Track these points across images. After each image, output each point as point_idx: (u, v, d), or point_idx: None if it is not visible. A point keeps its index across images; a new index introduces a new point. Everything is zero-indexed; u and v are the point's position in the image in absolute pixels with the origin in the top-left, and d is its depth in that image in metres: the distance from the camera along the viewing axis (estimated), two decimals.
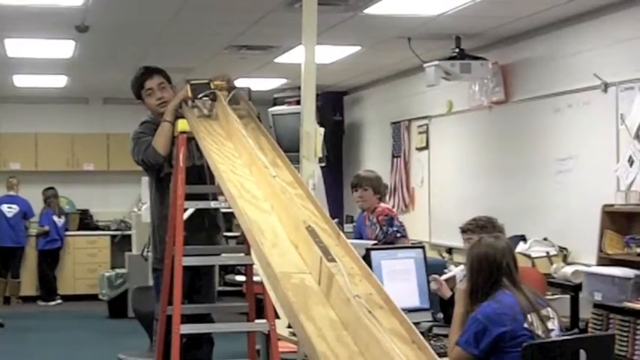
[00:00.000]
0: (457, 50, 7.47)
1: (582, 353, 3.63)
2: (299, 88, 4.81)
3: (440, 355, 3.40)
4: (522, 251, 6.71)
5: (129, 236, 11.80)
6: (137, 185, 10.44)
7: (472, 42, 7.70)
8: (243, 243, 4.45)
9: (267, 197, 3.26)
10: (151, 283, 5.29)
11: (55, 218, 12.33)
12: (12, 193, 12.20)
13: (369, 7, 6.47)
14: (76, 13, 6.75)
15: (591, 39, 6.69)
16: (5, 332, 9.86)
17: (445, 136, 9.16)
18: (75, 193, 12.95)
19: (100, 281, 10.93)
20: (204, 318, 4.67)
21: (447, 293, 4.58)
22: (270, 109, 11.01)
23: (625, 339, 5.69)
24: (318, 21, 4.67)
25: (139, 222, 10.23)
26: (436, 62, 7.36)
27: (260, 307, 4.51)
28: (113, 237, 12.73)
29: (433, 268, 4.91)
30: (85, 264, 12.55)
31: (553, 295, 6.31)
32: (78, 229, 12.80)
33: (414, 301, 4.54)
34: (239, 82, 8.73)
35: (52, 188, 12.49)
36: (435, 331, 4.41)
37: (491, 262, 3.70)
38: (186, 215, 4.31)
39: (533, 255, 6.71)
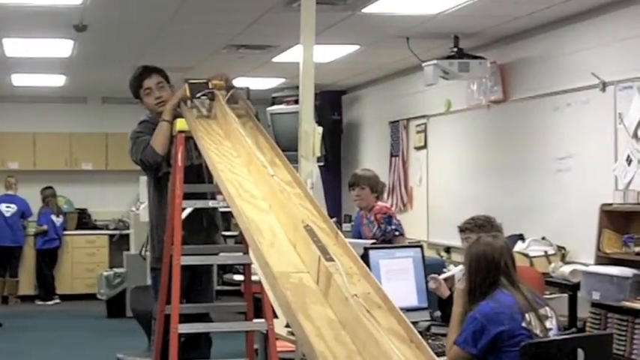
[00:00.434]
0: (455, 49, 7.46)
1: (580, 352, 3.64)
2: (297, 87, 4.80)
3: (438, 354, 3.41)
4: (520, 250, 6.71)
5: (127, 236, 11.81)
6: (135, 185, 10.45)
7: (470, 41, 7.70)
8: (241, 242, 4.45)
9: (265, 196, 3.26)
10: (149, 282, 5.28)
11: (54, 217, 12.33)
12: (10, 192, 12.19)
13: (368, 6, 6.47)
14: (75, 13, 6.74)
15: (590, 38, 6.69)
16: (3, 332, 9.86)
17: (443, 136, 9.16)
18: (73, 192, 12.94)
19: (99, 281, 10.92)
20: (203, 317, 4.66)
21: (446, 292, 4.59)
22: (268, 109, 11.01)
23: (623, 338, 5.69)
24: (317, 20, 4.67)
25: (137, 221, 10.24)
26: (434, 61, 7.36)
27: (258, 307, 4.50)
28: (111, 236, 12.73)
29: (431, 268, 4.91)
30: (84, 263, 12.55)
31: (551, 294, 6.30)
32: (76, 229, 12.79)
33: (412, 301, 4.54)
34: (237, 82, 8.74)
35: (50, 187, 12.48)
36: (433, 330, 4.42)
37: (490, 262, 3.70)
38: (184, 214, 4.31)
39: (532, 254, 6.71)
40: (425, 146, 9.54)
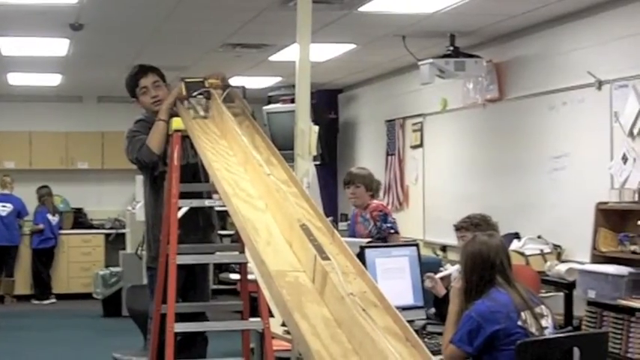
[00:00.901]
0: (451, 48, 7.47)
1: (576, 351, 3.64)
2: (293, 86, 4.80)
3: (434, 353, 3.41)
4: (516, 249, 6.71)
5: (123, 235, 11.79)
6: (131, 184, 10.44)
7: (466, 40, 7.70)
8: (237, 241, 4.45)
9: (261, 195, 3.26)
10: (145, 281, 5.29)
11: (50, 217, 12.32)
12: (6, 191, 12.17)
13: (364, 4, 6.47)
14: (71, 12, 6.73)
15: (585, 37, 6.70)
16: None
17: (439, 134, 9.17)
18: (69, 191, 12.93)
19: (95, 280, 10.91)
20: (199, 316, 4.66)
21: (442, 291, 4.59)
22: (264, 107, 11.01)
23: (619, 336, 5.70)
24: (313, 19, 4.67)
25: (133, 220, 10.22)
26: (431, 60, 7.36)
27: (254, 306, 4.51)
28: (107, 235, 12.72)
29: (427, 266, 4.91)
30: (80, 262, 12.53)
31: (547, 292, 6.31)
32: (72, 228, 12.78)
33: (408, 299, 4.54)
34: (234, 81, 8.74)
35: (46, 187, 12.47)
36: (429, 328, 4.42)
37: (485, 260, 3.71)
38: (180, 214, 4.30)
39: (527, 253, 6.72)
40: (421, 145, 9.54)
